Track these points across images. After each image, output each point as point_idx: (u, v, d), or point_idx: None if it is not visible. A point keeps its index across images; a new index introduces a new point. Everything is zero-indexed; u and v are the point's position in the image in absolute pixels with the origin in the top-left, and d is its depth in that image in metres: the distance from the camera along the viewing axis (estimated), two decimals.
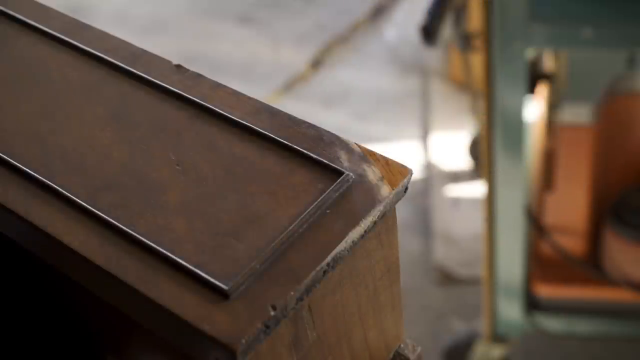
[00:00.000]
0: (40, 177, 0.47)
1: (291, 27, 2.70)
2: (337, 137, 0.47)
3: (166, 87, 0.51)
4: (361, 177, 0.45)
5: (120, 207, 0.45)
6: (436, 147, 2.20)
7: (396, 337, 0.51)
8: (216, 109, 0.49)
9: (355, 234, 0.42)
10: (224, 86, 0.51)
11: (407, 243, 1.98)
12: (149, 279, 0.41)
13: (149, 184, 0.46)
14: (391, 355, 0.52)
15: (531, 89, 1.23)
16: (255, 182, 0.45)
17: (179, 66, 0.53)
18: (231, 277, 0.40)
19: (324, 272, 0.41)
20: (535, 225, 1.43)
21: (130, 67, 0.53)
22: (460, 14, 1.49)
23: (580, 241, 1.53)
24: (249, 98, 0.50)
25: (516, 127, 1.22)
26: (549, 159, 1.59)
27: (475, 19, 1.57)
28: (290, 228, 0.42)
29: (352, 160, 0.46)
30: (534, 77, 1.24)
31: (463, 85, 2.19)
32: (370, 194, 0.44)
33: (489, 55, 1.14)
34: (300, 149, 0.46)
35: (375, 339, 0.49)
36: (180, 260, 0.41)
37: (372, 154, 0.46)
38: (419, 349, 0.53)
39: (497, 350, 1.62)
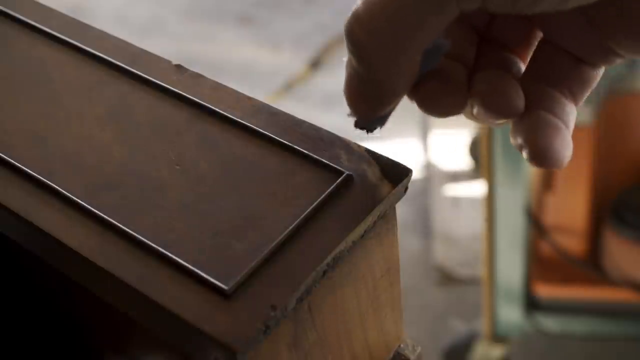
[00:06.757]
0: (40, 177, 0.46)
1: (291, 27, 2.70)
2: (337, 137, 0.47)
3: (166, 87, 0.51)
4: (361, 177, 0.45)
5: (120, 207, 0.45)
6: (436, 146, 2.20)
7: (396, 337, 0.51)
8: (216, 109, 0.49)
9: (355, 234, 0.42)
10: (224, 86, 0.51)
11: (407, 243, 1.98)
12: (149, 279, 0.41)
13: (149, 184, 0.46)
14: (391, 355, 0.52)
15: None
16: (255, 182, 0.45)
17: (178, 66, 0.53)
18: (231, 277, 0.40)
19: (324, 272, 0.41)
20: (535, 225, 1.43)
21: (130, 67, 0.53)
22: None
23: (580, 241, 1.53)
24: (249, 98, 0.50)
25: None
26: None
27: None
28: (290, 228, 0.42)
29: (352, 160, 0.46)
30: None
31: None
32: (370, 194, 0.44)
33: None
34: (300, 149, 0.46)
35: (375, 339, 0.49)
36: (180, 260, 0.41)
37: (373, 153, 0.46)
38: (419, 349, 0.53)
39: (497, 350, 1.62)
